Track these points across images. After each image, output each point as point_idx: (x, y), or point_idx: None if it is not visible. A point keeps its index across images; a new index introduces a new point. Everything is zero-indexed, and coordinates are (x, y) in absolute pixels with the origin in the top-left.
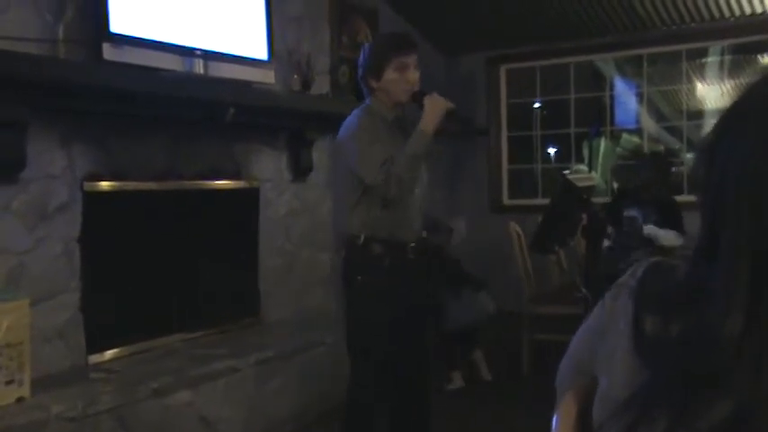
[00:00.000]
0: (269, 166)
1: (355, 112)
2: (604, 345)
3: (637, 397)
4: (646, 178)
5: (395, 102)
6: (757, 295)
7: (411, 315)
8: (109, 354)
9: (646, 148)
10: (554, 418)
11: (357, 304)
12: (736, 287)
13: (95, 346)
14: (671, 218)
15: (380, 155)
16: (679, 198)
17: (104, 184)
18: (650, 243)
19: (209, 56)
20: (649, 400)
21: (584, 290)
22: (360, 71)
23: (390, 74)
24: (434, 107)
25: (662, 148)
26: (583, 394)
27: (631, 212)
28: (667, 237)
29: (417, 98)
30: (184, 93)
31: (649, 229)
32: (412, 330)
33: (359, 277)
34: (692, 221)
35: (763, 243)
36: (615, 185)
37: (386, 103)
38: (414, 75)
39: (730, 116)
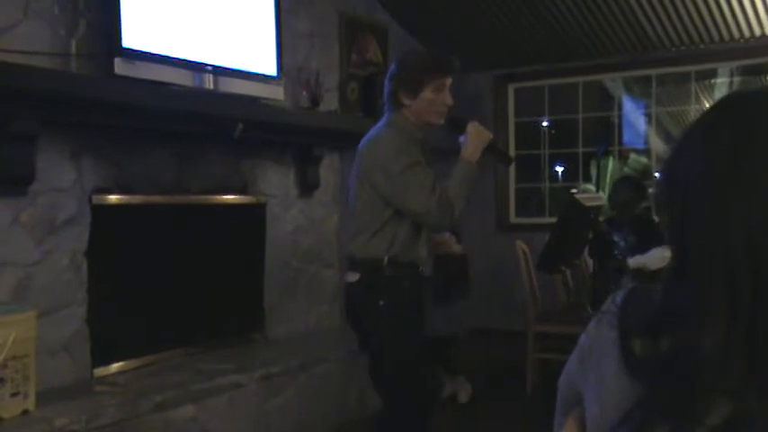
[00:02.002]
0: (276, 181)
1: (383, 131)
2: (592, 372)
3: (634, 413)
4: (622, 201)
5: (425, 121)
6: (732, 308)
7: (425, 333)
8: (114, 367)
9: (654, 169)
10: None
11: (383, 329)
12: (711, 303)
13: (101, 359)
14: (649, 234)
15: (427, 180)
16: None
17: (112, 198)
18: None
19: (219, 71)
20: (647, 415)
21: (590, 309)
22: (391, 84)
23: (428, 93)
24: (478, 137)
25: (640, 166)
26: (582, 420)
27: (614, 237)
28: (653, 259)
29: (457, 124)
30: (194, 108)
31: (635, 260)
32: (425, 347)
33: (381, 302)
34: None
35: (734, 257)
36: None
37: (413, 121)
38: (450, 97)
39: (687, 137)
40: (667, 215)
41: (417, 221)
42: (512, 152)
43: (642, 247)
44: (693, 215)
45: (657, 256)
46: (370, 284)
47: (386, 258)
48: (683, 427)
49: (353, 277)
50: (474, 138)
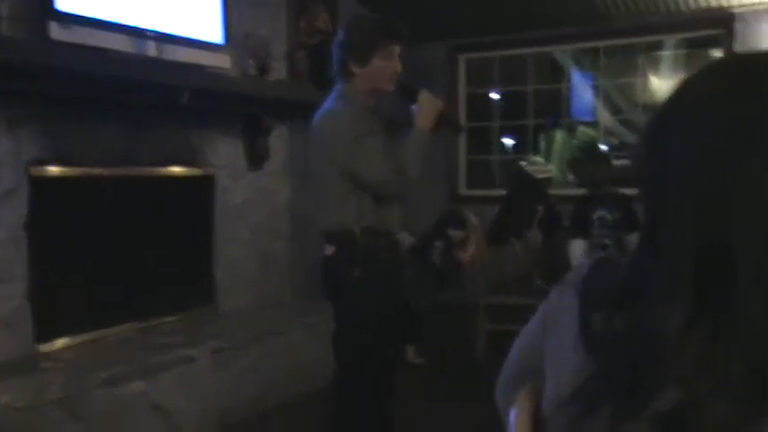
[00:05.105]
0: (225, 153)
1: (335, 104)
2: (550, 343)
3: (583, 389)
4: (589, 179)
5: (375, 89)
6: (699, 291)
7: (401, 306)
8: (59, 343)
9: (601, 141)
10: (511, 413)
11: (356, 301)
12: (678, 283)
13: (45, 335)
14: (633, 211)
15: (381, 149)
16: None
17: (52, 170)
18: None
19: (163, 38)
20: (596, 392)
21: (539, 281)
22: (338, 52)
23: (377, 61)
24: (430, 105)
25: (588, 138)
26: (536, 392)
27: (599, 213)
28: None
29: (408, 91)
30: (136, 75)
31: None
32: (400, 321)
33: (355, 272)
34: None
35: (704, 240)
36: (573, 179)
37: (363, 90)
38: (399, 65)
39: (667, 111)
40: (641, 188)
41: (374, 192)
42: (463, 123)
43: (628, 223)
44: (668, 196)
45: None
46: (345, 256)
47: (358, 228)
48: (627, 409)
49: (329, 250)
50: (426, 106)
